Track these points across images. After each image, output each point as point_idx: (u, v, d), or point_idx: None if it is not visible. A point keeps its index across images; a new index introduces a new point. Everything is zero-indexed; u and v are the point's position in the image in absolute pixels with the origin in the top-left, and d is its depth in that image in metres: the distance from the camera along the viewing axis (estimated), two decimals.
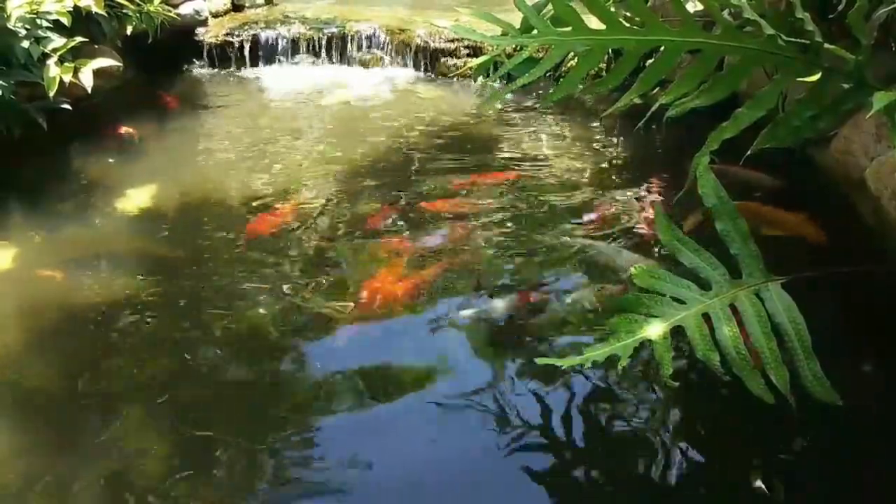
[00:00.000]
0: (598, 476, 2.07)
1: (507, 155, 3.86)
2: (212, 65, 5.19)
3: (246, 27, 5.25)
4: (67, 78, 3.74)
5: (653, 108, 2.47)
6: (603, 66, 4.34)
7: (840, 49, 2.18)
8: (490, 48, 4.57)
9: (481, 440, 2.14)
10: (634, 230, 3.10)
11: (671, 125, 2.56)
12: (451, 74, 4.98)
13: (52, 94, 3.69)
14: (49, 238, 3.12)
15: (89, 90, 3.84)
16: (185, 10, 5.06)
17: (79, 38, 3.88)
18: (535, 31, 2.39)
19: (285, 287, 2.77)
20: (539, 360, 2.17)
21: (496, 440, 2.13)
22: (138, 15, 4.41)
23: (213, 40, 5.18)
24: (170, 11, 4.71)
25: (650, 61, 2.48)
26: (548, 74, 3.17)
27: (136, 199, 3.41)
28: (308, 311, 2.66)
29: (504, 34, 2.53)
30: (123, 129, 4.09)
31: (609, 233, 3.09)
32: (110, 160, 3.79)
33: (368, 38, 5.16)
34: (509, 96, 4.54)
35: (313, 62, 5.21)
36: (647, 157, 3.85)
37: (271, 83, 5.04)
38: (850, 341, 2.42)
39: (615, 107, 2.60)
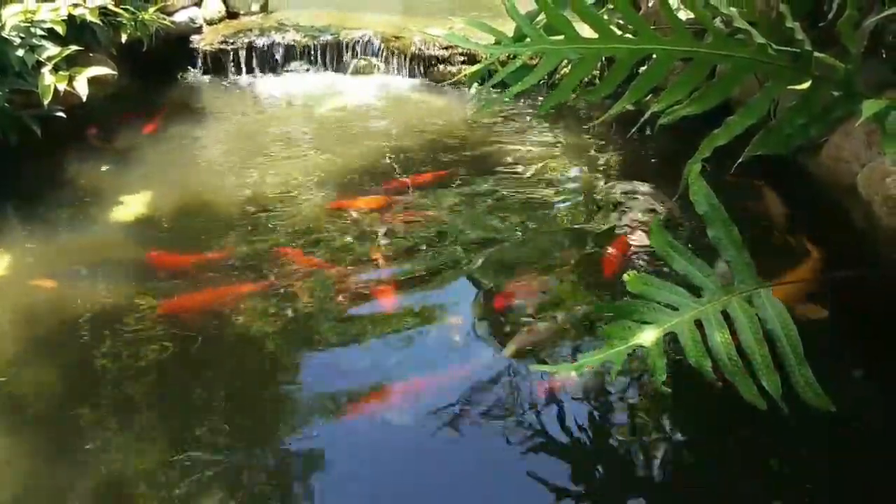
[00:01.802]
0: (591, 477, 2.08)
1: (500, 161, 3.88)
2: (206, 72, 5.20)
3: (241, 34, 5.26)
4: (62, 86, 3.74)
5: (645, 116, 2.49)
6: (596, 73, 4.36)
7: (830, 57, 2.20)
8: (484, 56, 4.59)
9: (469, 443, 2.16)
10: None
11: (665, 131, 2.58)
12: (446, 82, 4.99)
13: (46, 102, 3.69)
14: (43, 246, 3.12)
15: (84, 98, 3.84)
16: (179, 17, 5.07)
17: (73, 47, 3.89)
18: (528, 40, 2.41)
19: (279, 289, 2.79)
20: (532, 367, 2.18)
21: (484, 444, 2.15)
22: (133, 23, 4.42)
23: (208, 48, 5.19)
24: (164, 19, 4.72)
25: (643, 69, 2.50)
26: (541, 82, 3.18)
27: (130, 206, 3.41)
28: (301, 315, 2.67)
29: (497, 42, 2.55)
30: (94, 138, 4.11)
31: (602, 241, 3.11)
32: (104, 168, 3.79)
33: (363, 45, 5.18)
34: (503, 103, 4.55)
35: (308, 69, 5.22)
36: (639, 164, 3.86)
37: (266, 90, 5.04)
38: (842, 346, 2.44)
39: (608, 114, 2.61)
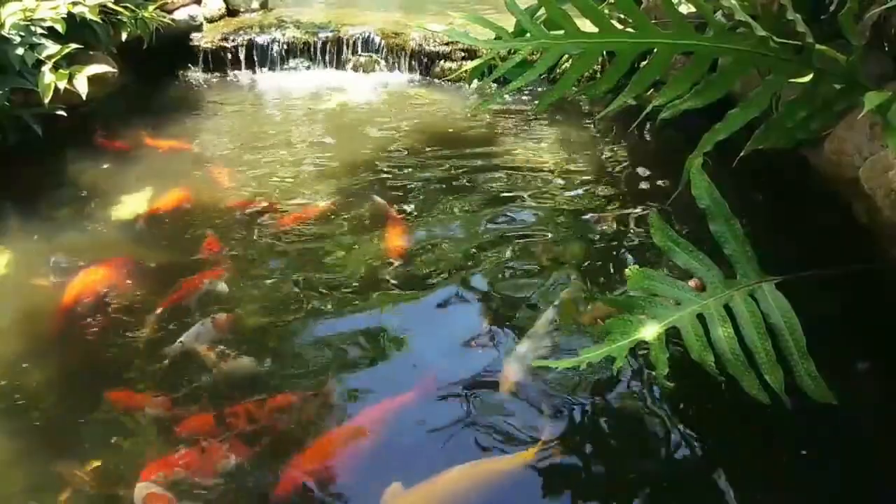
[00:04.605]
0: (591, 475, 2.07)
1: (501, 159, 3.87)
2: (207, 70, 5.19)
3: (241, 32, 5.25)
4: (62, 84, 3.74)
5: (647, 110, 2.48)
6: (597, 68, 4.34)
7: (832, 50, 2.19)
8: (484, 52, 4.58)
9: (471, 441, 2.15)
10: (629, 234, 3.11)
11: (666, 126, 2.57)
12: (446, 78, 4.98)
13: (46, 100, 3.69)
14: (44, 245, 3.11)
15: (84, 97, 3.83)
16: (179, 15, 5.06)
17: (73, 45, 3.88)
18: (528, 35, 2.39)
19: (282, 291, 2.79)
20: (534, 363, 2.18)
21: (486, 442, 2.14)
22: (133, 21, 4.41)
23: (209, 45, 5.18)
24: (164, 17, 4.72)
25: (643, 63, 2.49)
26: (542, 77, 3.18)
27: (131, 205, 3.40)
28: (309, 314, 2.68)
29: (497, 38, 2.53)
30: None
31: (604, 237, 3.11)
32: (105, 166, 3.78)
33: (363, 42, 5.17)
34: (504, 98, 4.54)
35: (308, 66, 5.21)
36: (640, 158, 3.85)
37: (266, 88, 5.04)
38: (845, 341, 2.43)
39: (609, 109, 2.60)
